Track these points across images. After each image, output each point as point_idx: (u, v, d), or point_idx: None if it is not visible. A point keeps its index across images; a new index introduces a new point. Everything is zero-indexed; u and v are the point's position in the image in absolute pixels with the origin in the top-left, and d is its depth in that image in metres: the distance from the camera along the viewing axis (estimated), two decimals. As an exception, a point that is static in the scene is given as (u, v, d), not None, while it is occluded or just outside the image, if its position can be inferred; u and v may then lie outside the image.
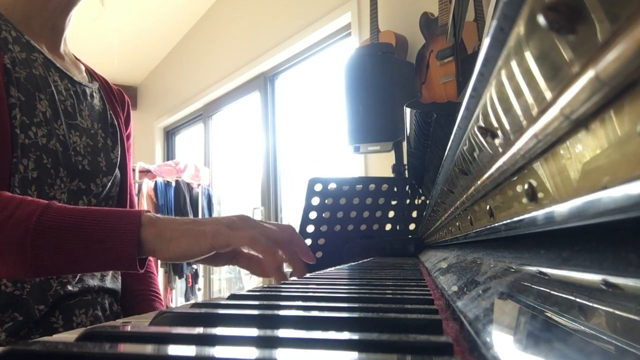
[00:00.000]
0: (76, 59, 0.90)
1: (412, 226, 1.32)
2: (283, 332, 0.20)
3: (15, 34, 0.74)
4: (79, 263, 0.55)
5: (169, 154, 4.75)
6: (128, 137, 0.94)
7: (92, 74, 0.90)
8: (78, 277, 0.75)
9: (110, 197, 0.84)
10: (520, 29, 0.17)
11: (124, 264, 0.55)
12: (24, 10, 0.77)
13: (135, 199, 1.01)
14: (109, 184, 0.82)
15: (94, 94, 0.86)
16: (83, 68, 0.89)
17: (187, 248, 0.55)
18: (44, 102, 0.74)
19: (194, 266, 3.73)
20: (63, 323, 0.71)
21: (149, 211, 0.59)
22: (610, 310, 0.15)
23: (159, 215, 0.59)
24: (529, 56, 0.17)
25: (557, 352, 0.14)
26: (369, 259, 1.08)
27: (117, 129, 0.88)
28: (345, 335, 0.18)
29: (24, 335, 0.68)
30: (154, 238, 0.55)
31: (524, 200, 0.24)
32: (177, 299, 3.83)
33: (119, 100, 0.93)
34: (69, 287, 0.73)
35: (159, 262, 3.59)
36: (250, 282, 3.82)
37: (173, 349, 0.17)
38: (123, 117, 0.93)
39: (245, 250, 0.63)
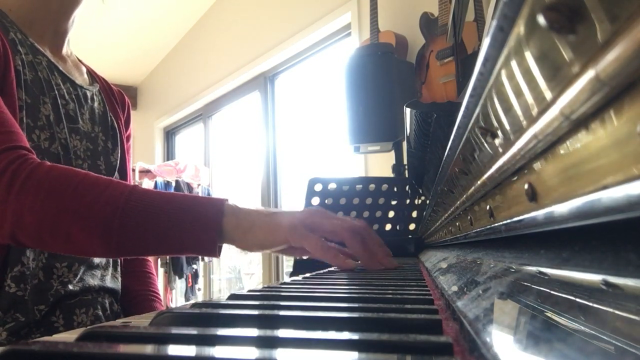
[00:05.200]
0: (78, 60, 0.90)
1: (412, 226, 1.32)
2: (283, 332, 0.20)
3: (20, 37, 0.74)
4: (161, 245, 0.57)
5: (169, 154, 4.75)
6: (128, 138, 0.94)
7: (93, 76, 0.90)
8: (79, 276, 0.75)
9: None
10: (520, 29, 0.17)
11: (205, 249, 0.57)
12: (27, 12, 0.77)
13: None
14: None
15: (95, 97, 0.86)
16: (84, 70, 0.89)
17: (264, 239, 0.58)
18: (47, 106, 0.74)
19: (194, 266, 3.73)
20: (64, 322, 0.72)
21: (228, 200, 0.61)
22: (610, 310, 0.15)
23: (239, 205, 0.60)
24: (529, 56, 0.17)
25: (557, 352, 0.14)
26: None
27: (117, 131, 0.88)
28: (346, 335, 0.18)
29: (25, 334, 0.68)
30: (234, 228, 0.57)
31: (524, 200, 0.24)
32: (177, 299, 3.83)
33: (119, 101, 0.94)
34: (70, 287, 0.73)
35: (159, 261, 3.59)
36: (250, 282, 3.82)
37: (173, 349, 0.17)
38: (123, 119, 0.93)
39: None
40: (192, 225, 0.56)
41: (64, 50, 0.84)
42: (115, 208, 0.55)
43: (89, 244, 0.56)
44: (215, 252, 0.58)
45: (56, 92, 0.76)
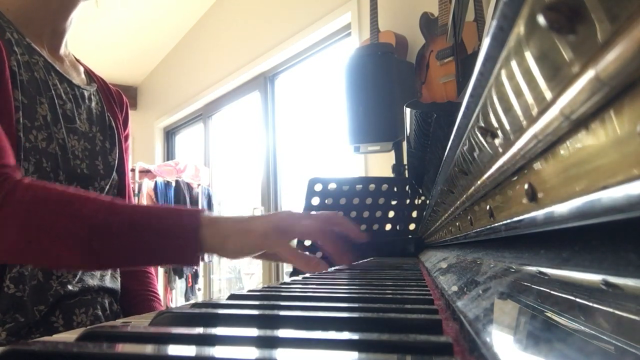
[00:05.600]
0: (76, 59, 0.89)
1: (412, 226, 1.32)
2: (283, 332, 0.20)
3: (17, 36, 0.74)
4: (142, 258, 0.59)
5: (169, 154, 4.75)
6: (126, 138, 0.94)
7: (91, 76, 0.90)
8: (78, 276, 0.75)
9: None
10: (520, 29, 0.17)
11: (186, 259, 0.58)
12: (24, 12, 0.77)
13: (134, 200, 1.02)
14: (107, 187, 0.83)
15: (92, 97, 0.86)
16: (82, 70, 0.89)
17: (241, 246, 0.59)
18: (44, 106, 0.74)
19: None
20: (63, 322, 0.72)
21: (205, 210, 0.62)
22: (610, 310, 0.15)
23: (214, 214, 0.62)
24: (529, 56, 0.17)
25: (557, 352, 0.14)
26: (369, 259, 1.08)
27: (115, 131, 0.88)
28: (345, 335, 0.18)
29: (25, 334, 0.68)
30: (212, 237, 0.59)
31: (524, 200, 0.24)
32: (177, 299, 3.83)
33: (117, 101, 0.93)
34: (69, 287, 0.73)
35: (159, 262, 3.59)
36: (250, 282, 3.82)
37: (173, 349, 0.17)
38: (121, 119, 0.93)
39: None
40: (172, 236, 0.57)
41: (62, 51, 0.84)
42: (94, 225, 0.56)
43: (71, 260, 0.57)
44: (197, 261, 0.59)
45: (53, 92, 0.76)
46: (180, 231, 0.57)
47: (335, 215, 0.67)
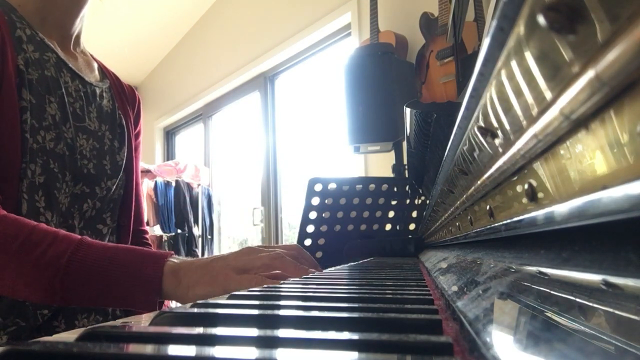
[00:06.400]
0: (90, 56, 0.89)
1: (412, 226, 1.32)
2: (283, 332, 0.20)
3: (29, 32, 0.73)
4: (102, 302, 0.60)
5: (169, 154, 4.75)
6: (137, 135, 0.94)
7: (104, 72, 0.90)
8: None
9: (113, 200, 0.84)
10: (520, 29, 0.17)
11: (145, 307, 0.60)
12: (37, 8, 0.77)
13: (142, 199, 1.01)
14: (114, 187, 0.82)
15: (104, 94, 0.85)
16: (96, 66, 0.88)
17: (204, 294, 0.59)
18: (53, 105, 0.73)
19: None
20: (65, 327, 0.71)
21: (172, 254, 0.62)
22: (610, 310, 0.15)
23: (177, 260, 0.62)
24: (529, 56, 0.17)
25: (557, 352, 0.14)
26: (369, 259, 1.07)
27: (125, 129, 0.87)
28: (345, 335, 0.18)
29: (26, 338, 0.68)
30: (174, 288, 0.59)
31: (524, 200, 0.24)
32: (177, 299, 3.82)
33: (129, 98, 0.93)
34: None
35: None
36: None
37: (173, 349, 0.17)
38: (133, 116, 0.92)
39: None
40: (133, 286, 0.58)
41: (75, 47, 0.83)
42: (58, 268, 0.57)
43: (33, 296, 0.58)
44: (156, 308, 0.59)
45: (64, 90, 0.76)
46: (142, 282, 0.58)
47: (296, 246, 0.69)
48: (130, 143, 0.89)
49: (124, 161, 0.86)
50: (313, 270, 0.67)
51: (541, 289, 0.21)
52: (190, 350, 0.17)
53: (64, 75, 0.77)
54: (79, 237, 0.60)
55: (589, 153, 0.16)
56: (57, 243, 0.58)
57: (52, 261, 0.57)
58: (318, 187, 1.16)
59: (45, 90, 0.72)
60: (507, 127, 0.23)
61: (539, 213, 0.22)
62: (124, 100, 0.90)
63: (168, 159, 4.53)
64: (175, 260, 0.61)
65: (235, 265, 0.61)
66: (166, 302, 0.88)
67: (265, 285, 0.46)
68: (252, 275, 0.60)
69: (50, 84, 0.73)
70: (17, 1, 0.75)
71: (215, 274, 0.60)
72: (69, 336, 0.24)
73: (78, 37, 0.84)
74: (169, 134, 4.77)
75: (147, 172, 3.76)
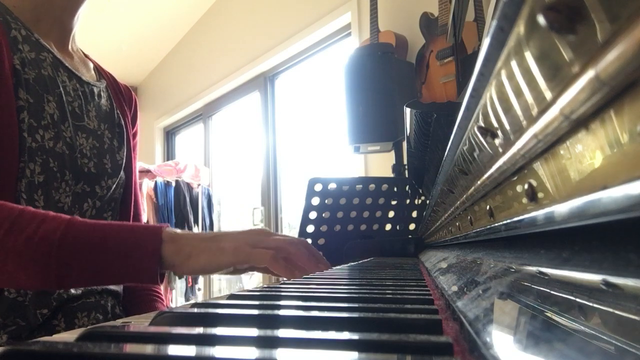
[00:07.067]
0: (85, 55, 0.89)
1: (412, 226, 1.32)
2: (283, 332, 0.20)
3: (25, 33, 0.73)
4: (102, 277, 0.57)
5: (169, 154, 4.75)
6: (134, 135, 0.94)
7: (100, 72, 0.90)
8: None
9: (113, 199, 0.83)
10: (520, 29, 0.17)
11: (146, 277, 0.57)
12: (32, 8, 0.76)
13: (141, 199, 1.01)
14: (114, 186, 0.82)
15: (102, 93, 0.85)
16: (92, 66, 0.88)
17: (206, 264, 0.58)
18: (52, 104, 0.73)
19: (194, 266, 3.72)
20: (65, 326, 0.71)
21: (168, 225, 0.61)
22: (610, 310, 0.15)
23: (178, 230, 0.61)
24: (529, 56, 0.17)
25: (557, 352, 0.14)
26: (369, 259, 1.08)
27: (124, 129, 0.87)
28: (345, 335, 0.18)
29: (26, 338, 0.67)
30: (174, 254, 0.58)
31: (524, 200, 0.24)
32: (177, 299, 3.83)
33: (126, 98, 0.93)
34: (72, 290, 0.73)
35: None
36: (250, 282, 3.81)
37: (173, 349, 0.17)
38: (130, 116, 0.92)
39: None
40: (131, 254, 0.56)
41: (70, 46, 0.83)
42: (51, 244, 0.55)
43: (27, 279, 0.56)
44: (157, 279, 0.58)
45: (61, 89, 0.75)
46: (141, 250, 0.57)
47: (304, 241, 0.68)
48: (129, 143, 0.88)
49: (124, 160, 0.85)
50: (325, 265, 0.67)
51: (541, 289, 0.21)
52: (190, 350, 0.17)
53: (61, 75, 0.77)
54: (69, 216, 0.58)
55: (589, 153, 0.16)
56: (48, 221, 0.56)
57: (45, 236, 0.55)
58: (318, 187, 1.16)
59: (43, 90, 0.72)
60: (507, 127, 0.23)
61: (539, 213, 0.22)
62: (121, 100, 0.90)
63: (168, 159, 4.53)
64: (177, 231, 0.60)
65: (246, 239, 0.60)
66: (166, 302, 0.87)
67: (265, 285, 0.46)
68: (266, 250, 0.59)
69: (47, 83, 0.73)
70: (11, 2, 0.75)
71: (223, 246, 0.59)
72: (69, 336, 0.24)
73: (73, 35, 0.84)
74: (169, 134, 4.78)
75: (147, 172, 3.76)
